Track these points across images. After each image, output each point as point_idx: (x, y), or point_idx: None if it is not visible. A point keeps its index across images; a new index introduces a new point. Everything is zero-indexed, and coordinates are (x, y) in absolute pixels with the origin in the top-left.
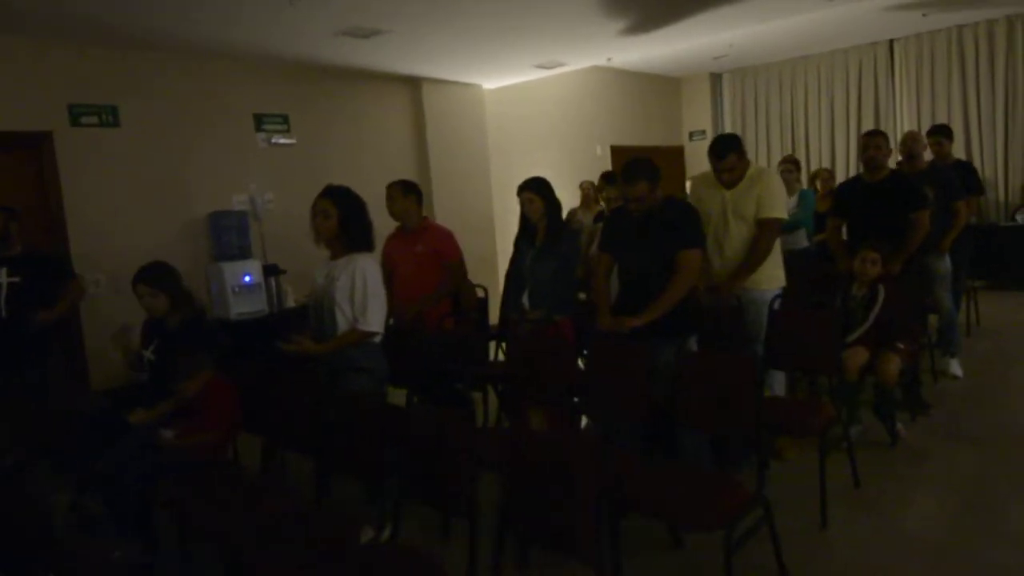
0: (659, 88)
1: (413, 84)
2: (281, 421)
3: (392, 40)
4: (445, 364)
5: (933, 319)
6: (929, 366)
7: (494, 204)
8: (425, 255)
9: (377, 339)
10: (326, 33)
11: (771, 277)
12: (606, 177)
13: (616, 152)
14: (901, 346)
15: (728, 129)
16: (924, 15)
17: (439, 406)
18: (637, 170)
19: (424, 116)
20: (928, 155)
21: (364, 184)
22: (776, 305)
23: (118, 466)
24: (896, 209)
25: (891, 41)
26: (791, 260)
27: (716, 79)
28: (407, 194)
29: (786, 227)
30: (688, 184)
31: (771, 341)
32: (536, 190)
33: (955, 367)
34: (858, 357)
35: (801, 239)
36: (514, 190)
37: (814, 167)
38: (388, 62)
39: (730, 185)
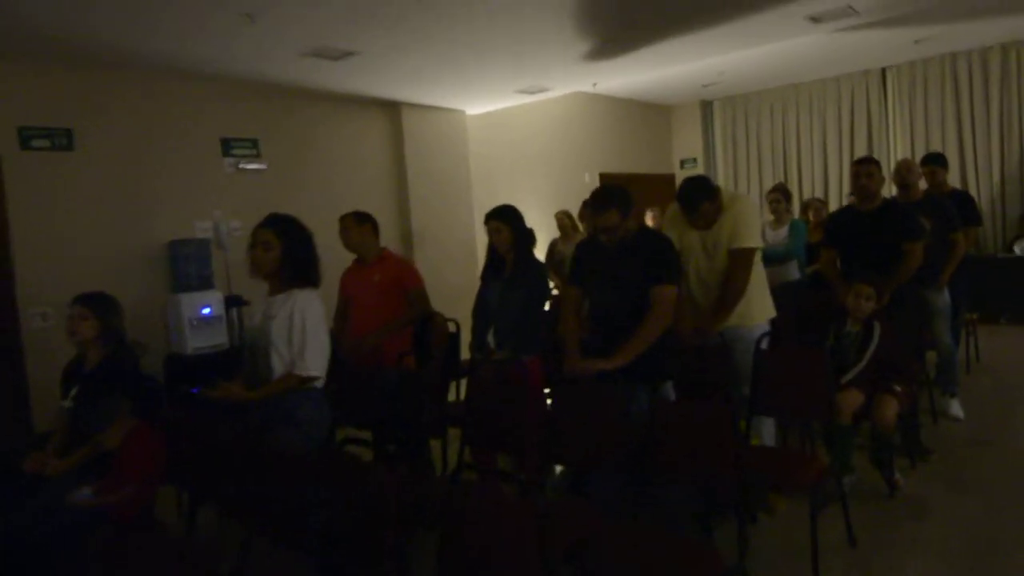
0: (649, 115)
1: (392, 108)
2: (204, 476)
3: (365, 63)
4: (398, 405)
5: (931, 356)
6: (928, 406)
7: (476, 234)
8: (384, 284)
9: (318, 384)
10: (293, 54)
11: (758, 311)
12: (588, 204)
13: (605, 180)
14: (899, 388)
15: (719, 157)
16: (917, 42)
17: (394, 451)
18: (607, 198)
19: (403, 141)
20: (923, 184)
21: (339, 211)
22: (763, 344)
23: (21, 529)
24: (889, 239)
25: (883, 69)
26: (782, 293)
27: (707, 107)
28: (361, 224)
29: (777, 258)
30: (648, 218)
31: (757, 384)
32: (503, 219)
33: (956, 408)
34: (852, 400)
35: (792, 271)
36: None
37: (807, 196)
38: (364, 85)
39: (707, 226)
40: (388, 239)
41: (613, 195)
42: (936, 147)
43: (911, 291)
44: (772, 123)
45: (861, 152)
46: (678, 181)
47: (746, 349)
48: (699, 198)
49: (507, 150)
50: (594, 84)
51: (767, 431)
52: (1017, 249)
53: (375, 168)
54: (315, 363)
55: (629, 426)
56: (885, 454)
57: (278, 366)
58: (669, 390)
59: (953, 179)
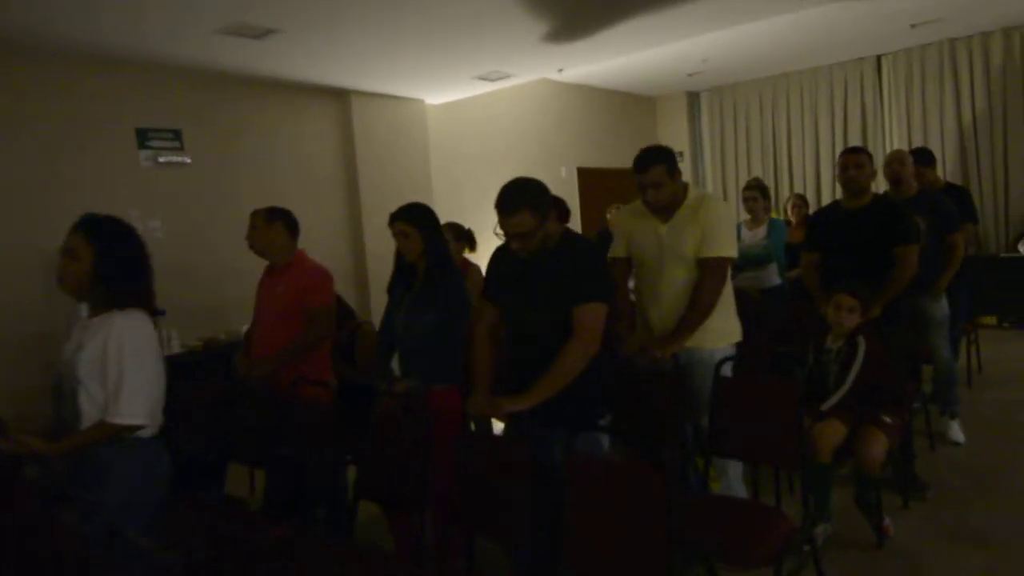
0: (632, 107)
1: (340, 97)
2: None
3: (291, 42)
4: (281, 446)
5: (927, 369)
6: (924, 427)
7: None
8: (287, 297)
9: (144, 433)
10: (206, 31)
11: (721, 332)
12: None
13: (584, 174)
14: (888, 420)
15: (707, 151)
16: (913, 27)
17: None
18: (517, 196)
19: (353, 133)
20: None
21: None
22: (726, 370)
23: None
24: (880, 242)
25: (878, 56)
26: (762, 300)
27: (693, 98)
28: (271, 222)
29: (755, 261)
30: (609, 215)
31: (718, 420)
32: (411, 220)
33: (955, 431)
34: (833, 433)
35: (772, 276)
36: (464, 216)
37: (798, 190)
38: (304, 71)
39: (660, 210)
40: (337, 237)
41: (524, 192)
42: (934, 138)
43: (904, 300)
44: (762, 115)
45: (855, 143)
46: None
47: (706, 375)
48: (654, 158)
49: (473, 142)
50: (560, 70)
51: (733, 470)
52: (1022, 248)
53: (322, 161)
54: (134, 408)
55: (538, 486)
56: (871, 498)
57: (88, 410)
58: (599, 439)
59: (953, 173)
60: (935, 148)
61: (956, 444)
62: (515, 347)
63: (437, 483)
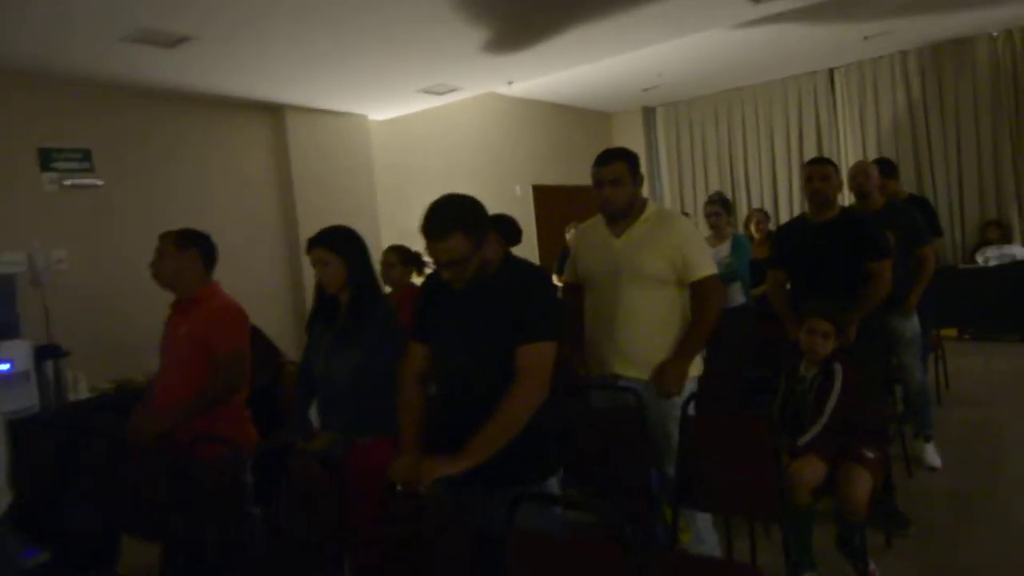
0: (588, 123)
1: (274, 112)
2: None
3: (209, 51)
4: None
5: (897, 390)
6: (900, 452)
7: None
8: (189, 342)
9: None
10: (109, 39)
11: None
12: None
13: (539, 192)
14: (870, 454)
15: (664, 167)
16: (866, 39)
17: None
18: (446, 217)
19: (289, 150)
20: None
21: (216, 232)
22: (690, 408)
23: None
24: (851, 257)
25: (831, 70)
26: (726, 321)
27: (649, 113)
28: (183, 248)
29: (722, 280)
30: (568, 235)
31: (685, 466)
32: (331, 245)
33: (931, 455)
34: (812, 472)
35: (736, 294)
36: (414, 238)
37: (756, 206)
38: (229, 83)
39: (615, 221)
40: (273, 265)
41: (455, 212)
42: (888, 150)
43: (875, 318)
44: (717, 129)
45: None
46: None
47: (668, 414)
48: (614, 152)
49: (422, 160)
50: (509, 82)
51: (703, 520)
52: (979, 259)
53: (255, 182)
54: None
55: (479, 564)
56: (855, 541)
57: None
58: (550, 505)
59: (908, 184)
60: (891, 157)
61: (933, 469)
62: (447, 396)
63: (358, 557)
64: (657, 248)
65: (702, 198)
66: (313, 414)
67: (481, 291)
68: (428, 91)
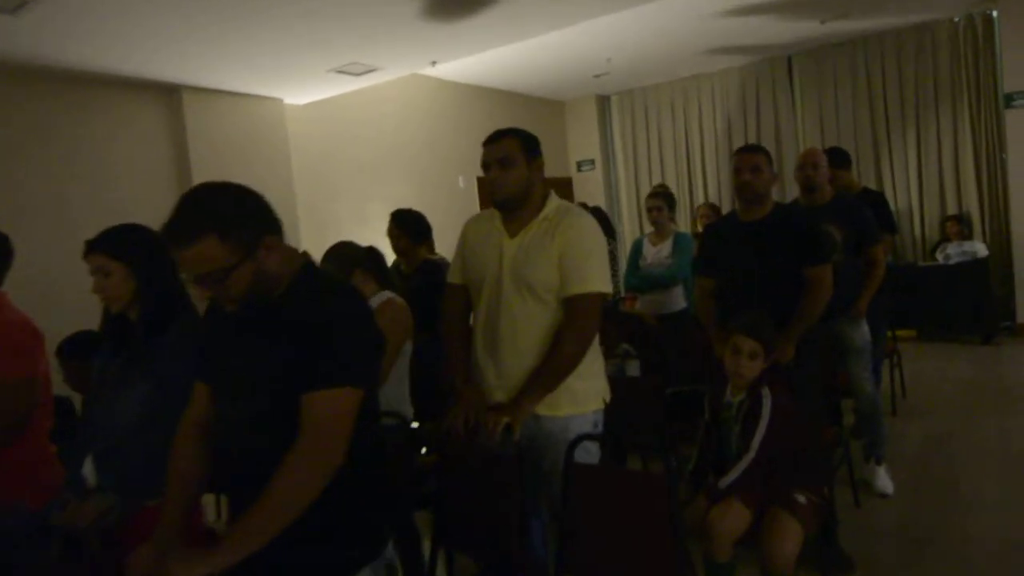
0: (540, 111)
1: (169, 93)
2: None
3: (58, 15)
4: None
5: (847, 402)
6: (847, 475)
7: (302, 248)
8: None
9: None
10: None
11: (583, 394)
12: (396, 220)
13: (485, 185)
14: (802, 499)
15: (619, 157)
16: (823, 23)
17: None
18: (194, 216)
19: (186, 136)
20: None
21: (93, 229)
22: (589, 454)
23: None
24: (786, 262)
25: (789, 57)
26: (662, 328)
27: (603, 102)
28: None
29: (658, 282)
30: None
31: (570, 522)
32: (114, 250)
33: (882, 479)
34: (733, 522)
35: (678, 299)
36: (339, 234)
37: (713, 198)
38: (104, 59)
39: (511, 217)
40: None
41: (208, 209)
42: (847, 140)
43: (819, 326)
44: (674, 118)
45: (769, 147)
46: (576, 185)
47: (560, 456)
48: (504, 130)
49: (350, 147)
50: (433, 63)
51: None
52: (939, 256)
53: (146, 171)
54: None
55: None
56: None
57: None
58: None
59: (867, 178)
60: (849, 150)
61: (884, 495)
62: (221, 458)
63: None
64: (547, 253)
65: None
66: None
67: (261, 317)
68: (342, 71)
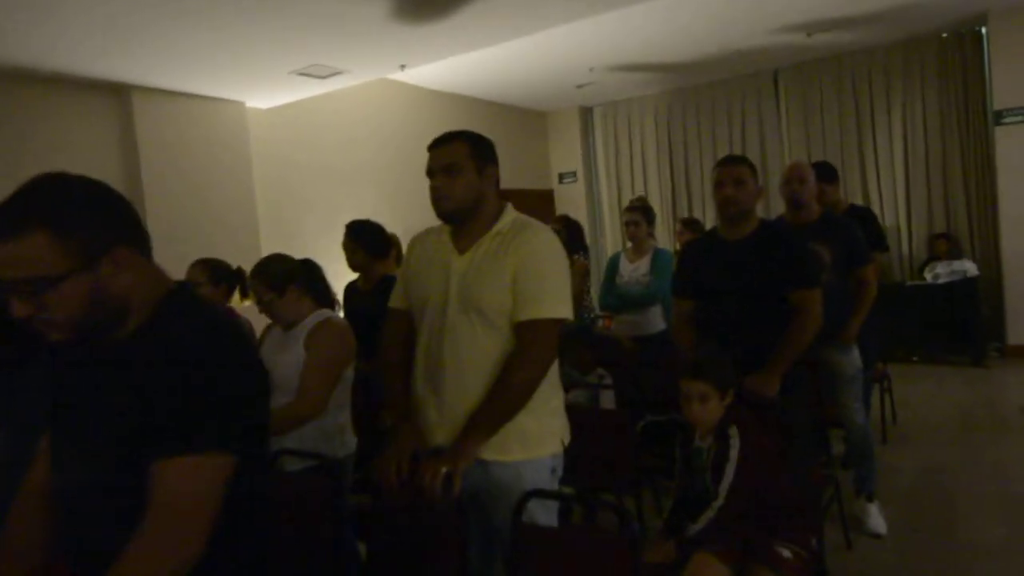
0: (520, 122)
1: (118, 94)
2: None
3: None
4: None
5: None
6: (837, 511)
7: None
8: None
9: None
10: None
11: (538, 435)
12: (351, 233)
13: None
14: (786, 553)
15: (602, 170)
16: (809, 36)
17: None
18: (18, 208)
19: (136, 140)
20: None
21: None
22: (546, 515)
23: None
24: (770, 285)
25: (775, 71)
26: (639, 351)
27: (586, 113)
28: None
29: (635, 302)
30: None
31: None
32: None
33: (875, 517)
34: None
35: (656, 320)
36: (306, 246)
37: (697, 212)
38: (48, 58)
39: (453, 221)
40: None
41: (33, 200)
42: (834, 157)
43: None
44: (657, 131)
45: (754, 161)
46: (557, 197)
47: (510, 507)
48: (452, 134)
49: (318, 155)
50: (402, 66)
51: None
52: (928, 275)
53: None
54: None
55: None
56: None
57: None
58: None
59: (853, 194)
60: (836, 165)
61: (876, 535)
62: (65, 535)
63: None
64: (499, 273)
65: None
66: None
67: (106, 357)
68: (305, 73)
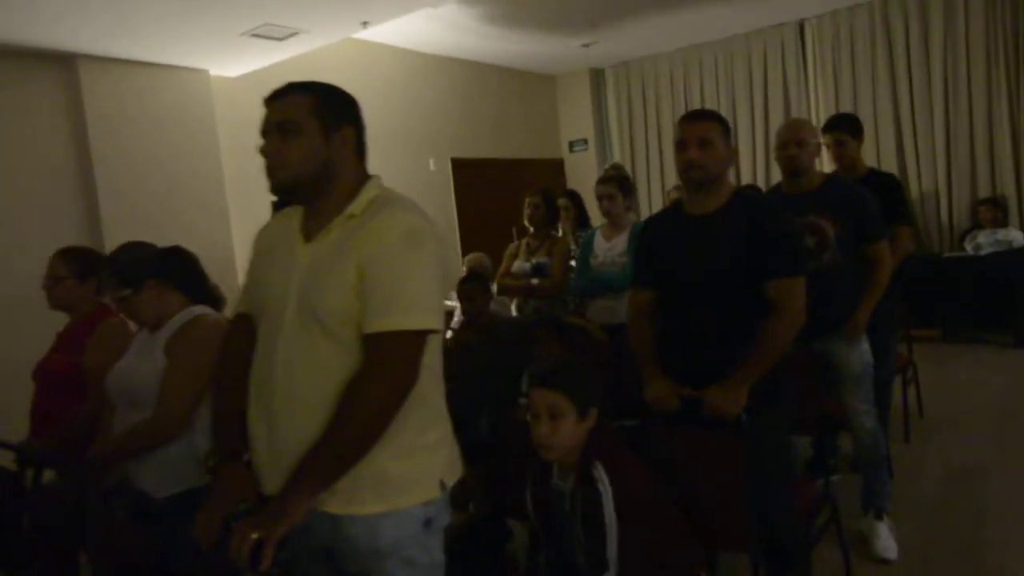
0: (528, 86)
1: (64, 64)
2: None
3: None
4: None
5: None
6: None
7: (235, 239)
8: None
9: None
10: None
11: (404, 479)
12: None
13: (459, 166)
14: None
15: (615, 136)
16: None
17: None
18: None
19: (84, 112)
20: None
21: None
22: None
23: None
24: (740, 273)
25: (801, 21)
26: (612, 341)
27: (597, 75)
28: None
29: (610, 285)
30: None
31: None
32: None
33: (884, 540)
34: None
35: None
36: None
37: None
38: None
39: (296, 197)
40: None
41: None
42: (866, 115)
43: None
44: (673, 92)
45: (778, 121)
46: (568, 166)
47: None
48: (291, 88)
49: None
50: (364, 23)
51: None
52: (969, 246)
53: (40, 152)
54: None
55: None
56: None
57: None
58: None
59: (887, 157)
60: (867, 127)
61: (885, 561)
62: None
63: None
64: (342, 268)
65: (656, 171)
66: None
67: None
68: (259, 35)
